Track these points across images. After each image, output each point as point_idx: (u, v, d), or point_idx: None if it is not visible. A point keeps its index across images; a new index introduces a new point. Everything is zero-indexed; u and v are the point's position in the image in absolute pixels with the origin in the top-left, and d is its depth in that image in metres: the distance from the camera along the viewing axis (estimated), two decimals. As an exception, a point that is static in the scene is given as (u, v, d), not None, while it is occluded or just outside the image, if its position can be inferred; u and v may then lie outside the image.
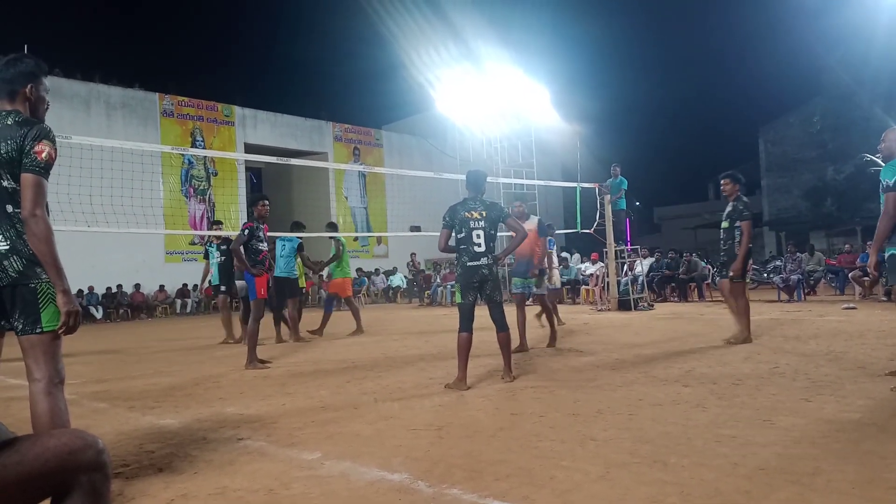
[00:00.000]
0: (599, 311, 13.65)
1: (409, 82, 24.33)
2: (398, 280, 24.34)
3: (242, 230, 7.52)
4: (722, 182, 7.37)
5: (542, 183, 18.58)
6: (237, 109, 25.81)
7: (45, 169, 2.77)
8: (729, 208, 7.19)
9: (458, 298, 5.64)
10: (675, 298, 16.14)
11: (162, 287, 21.22)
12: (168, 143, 22.30)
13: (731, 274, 7.02)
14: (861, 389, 4.58)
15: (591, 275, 16.64)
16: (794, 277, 14.17)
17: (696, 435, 3.57)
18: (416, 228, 21.62)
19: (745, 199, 7.19)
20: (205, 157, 24.09)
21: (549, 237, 11.47)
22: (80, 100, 21.45)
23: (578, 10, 65.19)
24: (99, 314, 19.95)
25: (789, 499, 2.60)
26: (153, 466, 3.48)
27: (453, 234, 5.67)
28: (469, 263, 5.52)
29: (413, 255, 23.63)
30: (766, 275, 17.30)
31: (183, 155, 23.13)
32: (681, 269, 16.32)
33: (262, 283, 7.48)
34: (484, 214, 5.63)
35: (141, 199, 16.14)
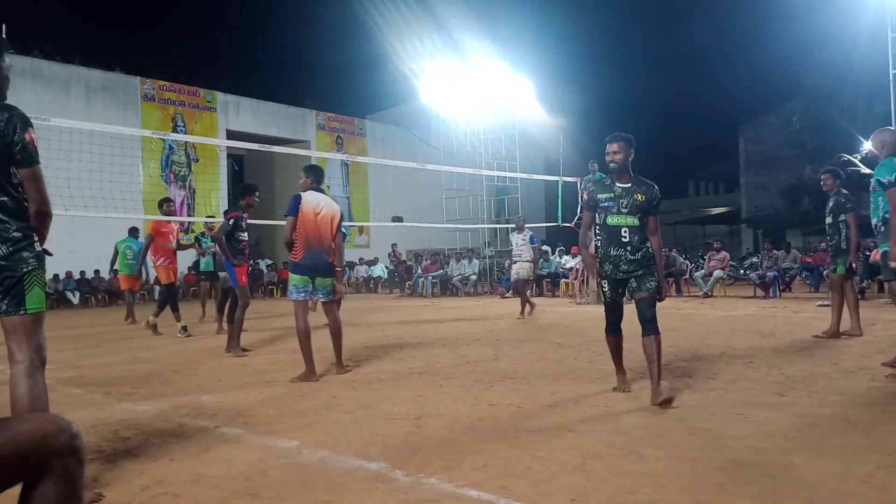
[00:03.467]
0: (579, 304, 13.73)
1: (393, 73, 24.23)
2: (379, 270, 24.29)
3: (227, 220, 7.50)
4: (822, 177, 7.41)
5: (524, 176, 18.60)
6: (219, 95, 25.51)
7: (38, 156, 2.81)
8: (831, 203, 7.19)
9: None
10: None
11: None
12: (149, 127, 21.96)
13: (853, 266, 7.04)
14: (833, 385, 4.65)
15: (571, 268, 16.73)
16: (770, 274, 14.33)
17: (672, 428, 3.61)
18: (399, 219, 21.56)
19: (845, 192, 7.14)
20: (186, 142, 23.80)
21: (531, 234, 11.55)
22: (59, 82, 21.05)
23: (564, 5, 65.30)
24: (76, 299, 19.72)
25: (762, 492, 2.64)
26: (129, 453, 3.46)
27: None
28: None
29: (394, 245, 23.58)
30: (742, 271, 17.49)
31: (164, 140, 22.85)
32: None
33: (243, 272, 7.48)
34: None
35: (120, 183, 15.95)
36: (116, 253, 12.10)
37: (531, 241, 11.32)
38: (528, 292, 11.63)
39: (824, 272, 8.67)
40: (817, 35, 25.15)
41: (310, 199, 5.68)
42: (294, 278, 5.64)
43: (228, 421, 4.12)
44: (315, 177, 5.84)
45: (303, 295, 5.64)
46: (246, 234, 7.60)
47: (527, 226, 11.72)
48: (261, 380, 5.62)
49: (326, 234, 5.71)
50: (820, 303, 11.67)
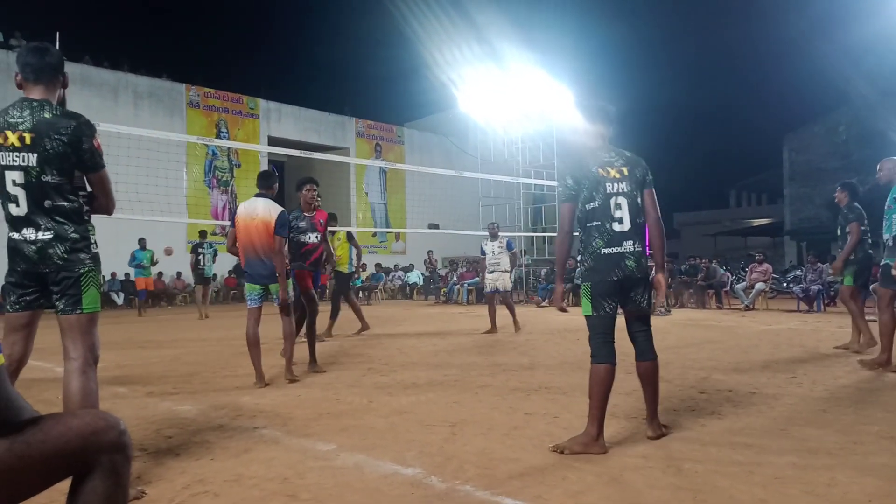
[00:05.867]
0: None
1: (432, 81, 24.27)
2: (415, 277, 24.39)
3: None
4: (837, 190, 7.38)
5: (562, 184, 18.47)
6: (262, 102, 25.94)
7: (103, 160, 2.97)
8: (840, 217, 7.13)
9: (585, 309, 3.69)
10: (693, 305, 16.02)
11: (179, 275, 21.39)
12: (193, 133, 22.41)
13: (830, 272, 6.99)
14: (879, 401, 4.53)
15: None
16: (815, 288, 14.01)
17: (711, 441, 3.56)
18: (435, 226, 21.65)
19: (856, 205, 6.98)
20: (228, 148, 24.26)
21: (509, 240, 10.78)
22: (108, 88, 21.65)
23: (603, 12, 64.93)
24: (120, 300, 20.18)
25: (804, 509, 2.58)
26: (171, 452, 3.53)
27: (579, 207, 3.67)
28: (605, 251, 3.56)
29: (430, 252, 23.66)
30: (785, 284, 17.13)
31: (207, 146, 23.31)
32: (699, 276, 16.20)
33: (300, 277, 6.56)
34: (626, 172, 3.61)
35: (165, 188, 16.35)
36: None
37: (508, 247, 10.23)
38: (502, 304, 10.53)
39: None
40: (864, 43, 24.55)
41: (245, 206, 5.69)
42: (246, 286, 5.86)
43: (267, 422, 4.18)
44: (259, 182, 5.82)
45: (253, 303, 5.70)
46: (312, 236, 6.76)
47: (502, 233, 10.64)
48: (298, 383, 5.68)
49: (262, 241, 5.55)
50: (870, 318, 11.37)
